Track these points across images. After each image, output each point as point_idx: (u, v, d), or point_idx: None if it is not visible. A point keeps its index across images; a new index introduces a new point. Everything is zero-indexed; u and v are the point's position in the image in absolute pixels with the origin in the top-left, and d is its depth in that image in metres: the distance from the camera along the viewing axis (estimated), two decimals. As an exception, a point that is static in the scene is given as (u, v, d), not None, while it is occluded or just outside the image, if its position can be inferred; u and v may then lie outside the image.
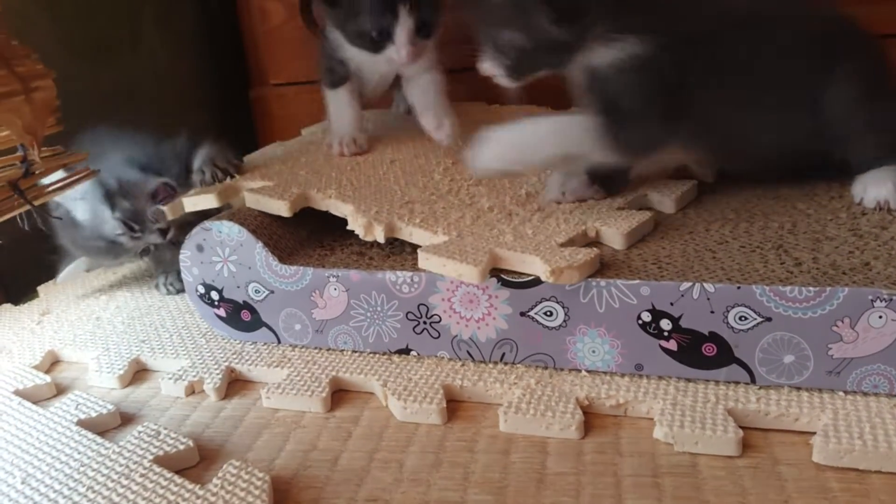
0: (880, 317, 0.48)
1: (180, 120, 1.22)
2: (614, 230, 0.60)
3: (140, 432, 0.55)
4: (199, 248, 0.65)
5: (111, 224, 0.73)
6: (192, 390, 0.62)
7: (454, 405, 0.57)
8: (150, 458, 0.52)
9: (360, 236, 0.62)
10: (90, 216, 0.74)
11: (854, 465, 0.46)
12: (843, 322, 0.48)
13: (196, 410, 0.60)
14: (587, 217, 0.62)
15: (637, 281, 0.53)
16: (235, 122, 1.31)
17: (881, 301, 0.47)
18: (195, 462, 0.53)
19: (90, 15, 1.02)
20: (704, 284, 0.51)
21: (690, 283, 0.51)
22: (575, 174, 0.66)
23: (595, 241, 0.61)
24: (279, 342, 0.66)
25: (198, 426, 0.58)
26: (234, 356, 0.65)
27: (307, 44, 1.26)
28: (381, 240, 0.61)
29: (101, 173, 0.65)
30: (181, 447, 0.53)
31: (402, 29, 0.73)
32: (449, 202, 0.66)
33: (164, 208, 0.70)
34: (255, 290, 0.65)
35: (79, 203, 0.74)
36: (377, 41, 0.75)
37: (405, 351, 0.62)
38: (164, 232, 0.74)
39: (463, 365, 0.60)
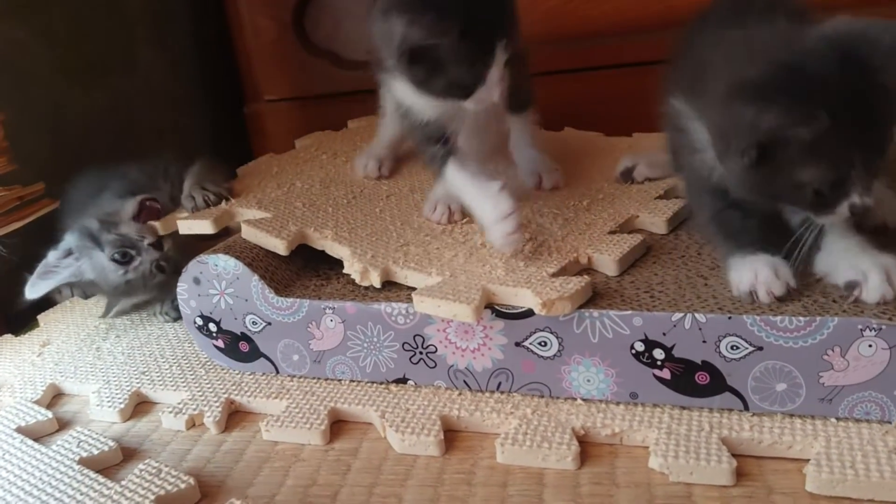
0: (870, 345, 0.48)
1: (176, 138, 1.22)
2: (607, 256, 0.60)
3: (141, 470, 0.55)
4: (196, 281, 0.66)
5: (110, 267, 0.74)
6: (192, 423, 0.63)
7: (452, 435, 0.58)
8: (153, 497, 0.52)
9: (357, 281, 0.62)
10: (96, 271, 0.75)
11: (847, 495, 0.46)
12: (833, 351, 0.49)
13: (197, 444, 0.61)
14: (579, 244, 0.63)
15: (629, 311, 0.53)
16: (230, 139, 1.31)
17: (871, 330, 0.48)
18: (197, 500, 0.54)
19: (84, 38, 1.03)
20: (696, 315, 0.51)
21: (682, 314, 0.52)
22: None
23: (588, 268, 0.61)
24: (278, 372, 0.66)
25: (199, 461, 0.59)
26: (234, 387, 0.66)
27: (299, 60, 1.27)
28: (377, 285, 0.62)
29: (81, 222, 0.65)
30: (182, 486, 0.53)
31: (497, 67, 0.61)
32: (443, 241, 0.66)
33: (156, 224, 0.71)
34: (253, 322, 0.65)
35: (82, 265, 0.75)
36: (469, 87, 0.62)
37: (402, 380, 0.62)
38: (157, 245, 0.75)
39: (460, 394, 0.60)
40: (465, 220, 0.71)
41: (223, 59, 1.29)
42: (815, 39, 0.50)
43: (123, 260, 0.74)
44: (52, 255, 0.76)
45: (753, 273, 0.53)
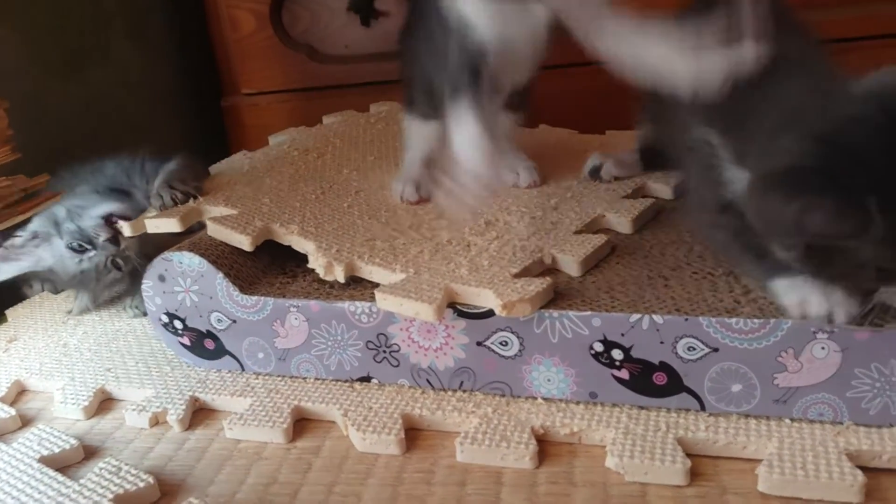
0: (822, 348, 0.49)
1: (153, 131, 1.21)
2: (570, 257, 0.60)
3: (101, 469, 0.55)
4: (161, 278, 0.66)
5: (67, 255, 0.74)
6: (156, 421, 0.63)
7: (414, 434, 0.58)
8: (111, 496, 0.52)
9: (321, 276, 0.62)
10: (55, 258, 0.75)
11: (797, 495, 0.47)
12: (787, 353, 0.49)
13: (160, 442, 0.61)
14: (544, 243, 0.63)
15: (588, 312, 0.53)
16: (208, 132, 1.31)
17: (823, 333, 0.48)
18: (156, 499, 0.54)
19: (60, 30, 1.02)
20: (653, 316, 0.52)
21: (640, 315, 0.52)
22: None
23: (552, 268, 0.61)
24: (243, 370, 0.66)
25: (161, 459, 0.58)
26: (199, 385, 0.66)
27: (277, 53, 1.26)
28: (342, 280, 0.62)
29: (52, 206, 0.65)
30: (141, 484, 0.53)
31: None
32: (410, 237, 0.66)
33: (125, 224, 0.71)
34: (218, 320, 0.65)
35: (42, 251, 0.75)
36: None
37: (366, 379, 0.62)
38: (113, 241, 0.75)
39: (423, 393, 0.60)
40: (433, 216, 0.71)
41: (201, 52, 1.28)
42: (861, 100, 0.43)
43: (79, 249, 0.74)
44: (18, 238, 0.76)
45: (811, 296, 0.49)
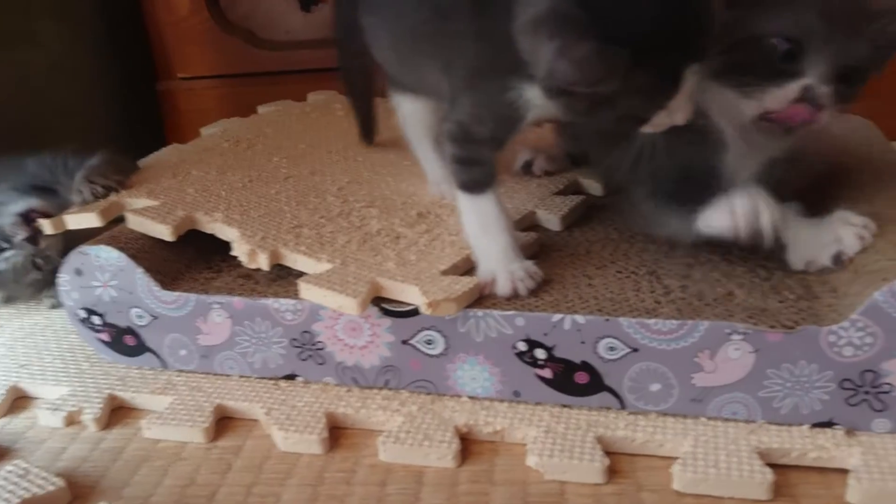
0: (736, 349, 0.50)
1: (84, 116, 1.17)
2: (498, 255, 0.60)
3: (9, 472, 0.53)
4: (78, 273, 0.63)
5: None
6: (71, 420, 0.60)
7: (338, 432, 0.57)
8: (18, 501, 0.50)
9: (244, 264, 0.61)
10: None
11: (709, 493, 0.48)
12: (703, 353, 0.50)
13: (74, 443, 0.59)
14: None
15: (512, 312, 0.53)
16: (142, 117, 1.27)
17: (737, 335, 0.49)
18: (67, 502, 0.52)
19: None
20: (575, 316, 0.52)
21: (562, 315, 0.52)
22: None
23: (480, 265, 0.61)
24: (165, 367, 0.65)
25: (74, 461, 0.56)
26: (118, 382, 0.64)
27: (215, 37, 1.23)
28: (266, 268, 0.60)
29: None
30: (51, 488, 0.51)
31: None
32: (338, 225, 0.66)
33: (44, 222, 0.68)
34: (138, 316, 0.63)
35: None
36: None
37: (292, 376, 0.61)
38: (32, 240, 0.72)
39: (348, 391, 0.60)
40: (363, 203, 0.70)
41: (134, 33, 1.24)
42: None
43: None
44: None
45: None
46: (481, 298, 0.56)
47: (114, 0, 1.24)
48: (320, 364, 0.60)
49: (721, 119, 0.54)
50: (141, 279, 0.62)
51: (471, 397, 0.57)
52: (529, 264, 0.58)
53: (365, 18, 0.68)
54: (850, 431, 0.50)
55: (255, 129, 0.90)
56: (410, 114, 0.71)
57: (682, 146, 0.53)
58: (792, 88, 0.50)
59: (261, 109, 1.02)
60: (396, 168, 0.80)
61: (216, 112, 1.25)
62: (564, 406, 0.55)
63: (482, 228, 0.58)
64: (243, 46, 1.22)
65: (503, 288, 0.56)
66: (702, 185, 0.54)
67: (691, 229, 0.55)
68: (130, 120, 1.27)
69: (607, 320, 0.51)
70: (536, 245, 0.63)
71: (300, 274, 0.60)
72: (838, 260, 0.53)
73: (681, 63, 0.46)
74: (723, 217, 0.52)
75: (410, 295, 0.55)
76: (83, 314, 0.65)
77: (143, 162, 0.81)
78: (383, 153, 0.83)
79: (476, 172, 0.56)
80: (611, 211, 0.70)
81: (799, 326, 0.48)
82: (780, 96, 0.50)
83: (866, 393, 0.48)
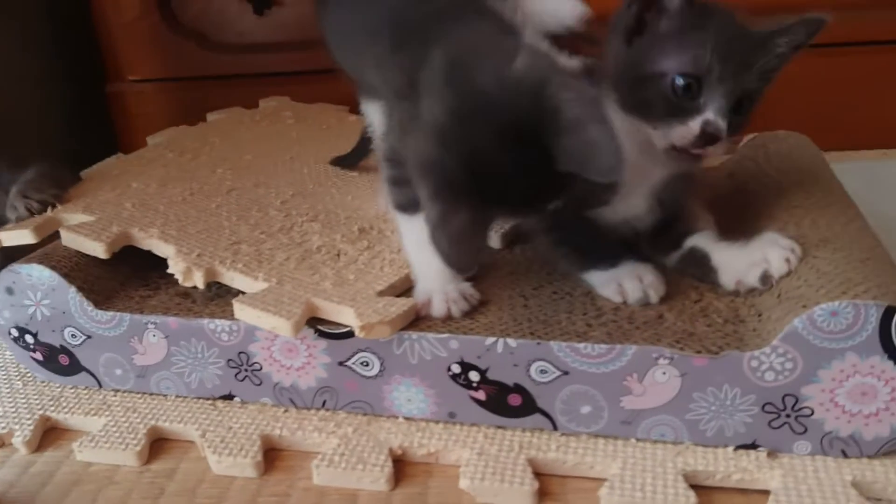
0: (664, 373, 0.50)
1: (29, 118, 1.14)
2: (436, 274, 0.60)
3: (-68, 500, 0.52)
4: (10, 291, 0.62)
5: None
6: (1, 443, 0.59)
7: (274, 454, 0.57)
8: (-61, 530, 0.49)
9: (180, 282, 0.60)
10: None
11: (634, 515, 0.48)
12: (632, 377, 0.51)
13: (3, 466, 0.58)
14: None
15: (446, 335, 0.54)
16: (91, 120, 1.24)
17: (664, 359, 0.50)
18: (-9, 530, 0.51)
19: None
20: (507, 340, 0.52)
21: (494, 339, 0.52)
22: None
23: (418, 285, 0.61)
24: (101, 386, 0.64)
25: (1, 485, 0.55)
26: (52, 403, 0.62)
27: (166, 39, 1.21)
28: (201, 286, 0.60)
29: None
30: (-25, 516, 0.51)
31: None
32: (278, 241, 0.65)
33: None
34: (72, 335, 0.62)
35: None
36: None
37: (229, 397, 0.61)
38: None
39: (285, 412, 0.60)
40: (306, 217, 0.70)
41: (82, 34, 1.21)
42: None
43: None
44: None
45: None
46: (417, 321, 0.56)
47: (63, 0, 1.21)
48: (257, 385, 0.60)
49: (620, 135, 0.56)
50: (74, 298, 0.61)
51: (407, 418, 0.57)
52: (466, 286, 0.58)
53: (327, 21, 0.68)
54: (773, 453, 0.51)
55: (201, 138, 0.89)
56: (378, 121, 0.70)
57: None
58: (694, 125, 0.53)
59: (210, 117, 1.01)
60: (343, 180, 0.79)
61: (167, 115, 1.23)
62: (499, 427, 0.56)
63: (418, 248, 0.58)
64: (195, 49, 1.20)
65: (437, 309, 0.56)
66: (592, 235, 0.60)
67: (579, 276, 0.60)
68: (80, 122, 1.24)
69: (539, 344, 0.52)
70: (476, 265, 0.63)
71: (239, 292, 0.59)
72: (766, 280, 0.54)
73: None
74: (611, 292, 0.58)
75: (345, 317, 0.55)
76: (15, 333, 0.63)
77: (85, 173, 0.80)
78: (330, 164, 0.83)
79: (409, 193, 0.56)
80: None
81: (723, 352, 0.49)
82: (683, 133, 0.53)
83: (787, 416, 0.50)
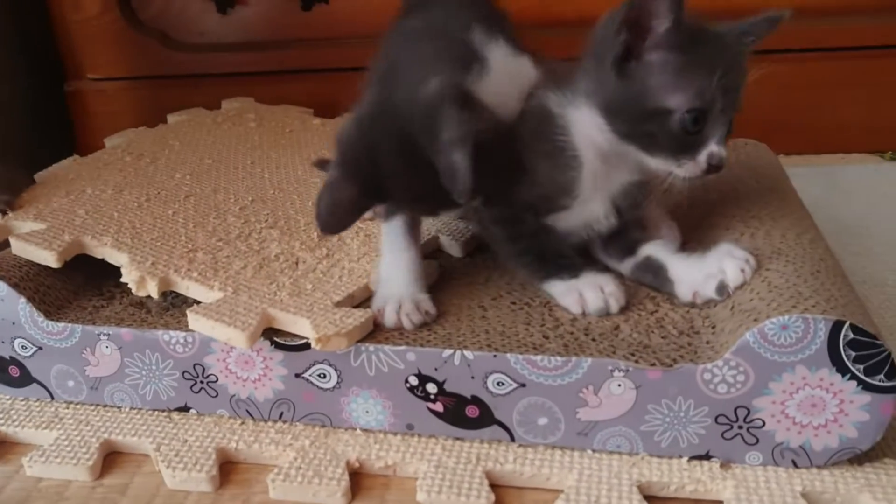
0: (619, 385, 0.51)
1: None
2: (395, 284, 0.60)
3: None
4: (-43, 302, 0.60)
5: None
6: (-52, 458, 0.58)
7: (230, 467, 0.56)
8: None
9: (134, 291, 0.59)
10: None
11: (589, 527, 0.49)
12: (588, 389, 0.51)
13: (-51, 483, 0.56)
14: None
15: (403, 347, 0.53)
16: (48, 119, 1.21)
17: (619, 371, 0.50)
18: (-65, 550, 0.50)
19: None
20: (465, 352, 0.52)
21: (452, 351, 0.52)
22: None
23: (377, 295, 0.61)
24: (53, 399, 0.62)
25: (-53, 503, 0.54)
26: (1, 415, 0.61)
27: (127, 38, 1.18)
28: (155, 295, 0.59)
29: None
30: (-82, 536, 0.49)
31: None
32: (236, 249, 0.64)
33: None
34: (22, 346, 0.61)
35: None
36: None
37: (185, 409, 0.60)
38: None
39: (242, 424, 0.59)
40: (265, 224, 0.69)
41: (40, 31, 1.18)
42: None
43: None
44: None
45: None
46: (374, 332, 0.56)
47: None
48: (213, 397, 0.59)
49: (581, 140, 0.57)
50: (24, 309, 0.59)
51: (364, 430, 0.57)
52: (424, 298, 0.58)
53: None
54: (725, 464, 0.51)
55: (160, 141, 0.87)
56: None
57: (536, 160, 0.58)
58: (701, 160, 0.53)
59: (171, 118, 0.99)
60: (304, 185, 0.78)
61: (127, 114, 1.21)
62: (457, 439, 0.56)
63: (384, 253, 0.60)
64: (156, 47, 1.18)
65: (388, 320, 0.56)
66: (554, 245, 0.60)
67: (539, 286, 0.60)
68: (39, 121, 1.21)
69: (495, 356, 0.52)
70: (436, 274, 0.63)
71: (195, 302, 0.58)
72: (722, 290, 0.55)
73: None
74: (571, 302, 0.58)
75: (302, 328, 0.55)
76: (-37, 344, 0.62)
77: (39, 176, 0.78)
78: (291, 169, 0.82)
79: None
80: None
81: (677, 364, 0.50)
82: (691, 168, 0.54)
83: (740, 427, 0.50)
